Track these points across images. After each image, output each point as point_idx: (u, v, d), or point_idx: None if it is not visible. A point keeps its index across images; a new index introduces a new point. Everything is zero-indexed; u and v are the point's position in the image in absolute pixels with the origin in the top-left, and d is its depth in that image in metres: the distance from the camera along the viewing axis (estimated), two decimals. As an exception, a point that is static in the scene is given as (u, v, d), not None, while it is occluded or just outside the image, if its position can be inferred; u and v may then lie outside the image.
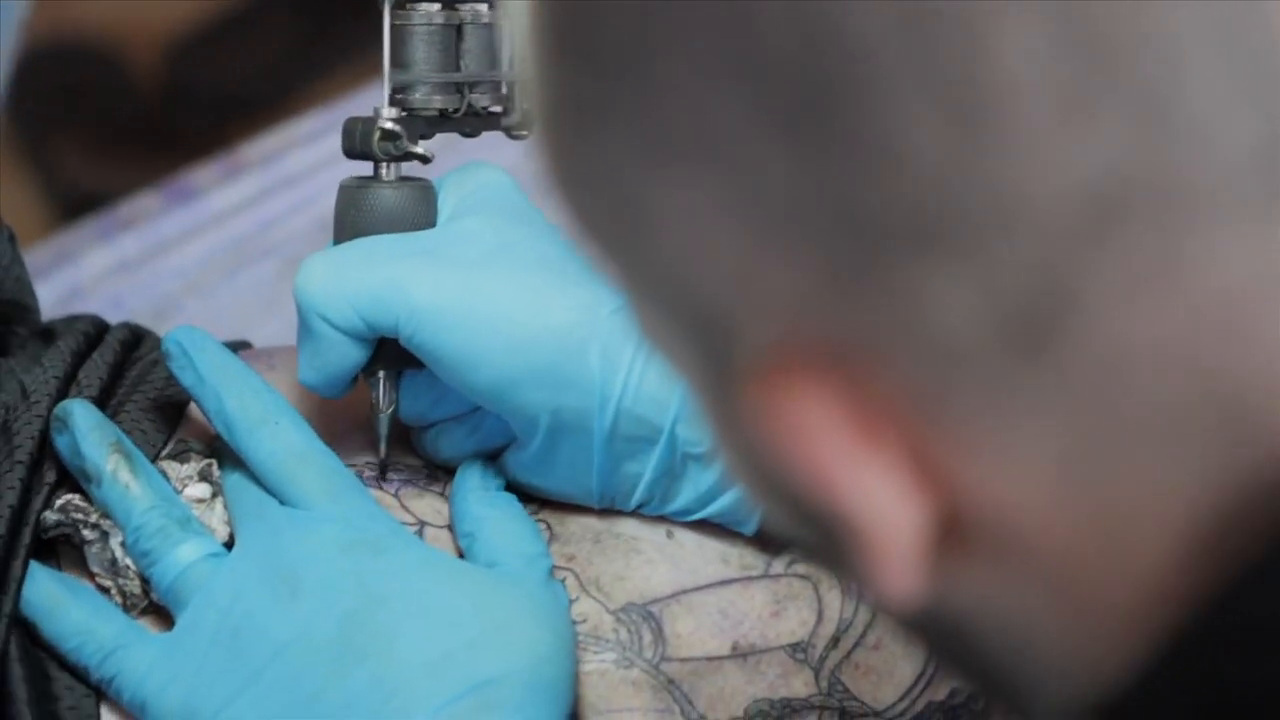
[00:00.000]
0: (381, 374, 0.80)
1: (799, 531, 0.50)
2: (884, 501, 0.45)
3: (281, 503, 0.78)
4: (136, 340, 0.85)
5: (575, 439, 0.78)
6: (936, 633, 0.49)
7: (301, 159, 1.23)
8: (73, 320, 0.85)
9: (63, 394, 0.80)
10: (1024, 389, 0.44)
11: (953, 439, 0.45)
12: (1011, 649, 0.48)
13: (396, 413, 0.81)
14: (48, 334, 0.85)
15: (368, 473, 0.81)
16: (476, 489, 0.79)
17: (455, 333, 0.76)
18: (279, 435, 0.78)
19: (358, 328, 0.77)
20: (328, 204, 1.21)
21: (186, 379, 0.80)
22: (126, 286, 1.21)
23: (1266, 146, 0.43)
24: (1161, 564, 0.45)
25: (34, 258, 1.22)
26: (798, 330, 0.45)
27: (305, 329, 0.78)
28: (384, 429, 0.80)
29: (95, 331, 0.84)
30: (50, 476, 0.78)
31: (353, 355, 0.78)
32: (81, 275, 1.21)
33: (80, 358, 0.82)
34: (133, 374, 0.83)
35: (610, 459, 0.78)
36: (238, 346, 0.89)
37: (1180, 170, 0.43)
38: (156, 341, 0.87)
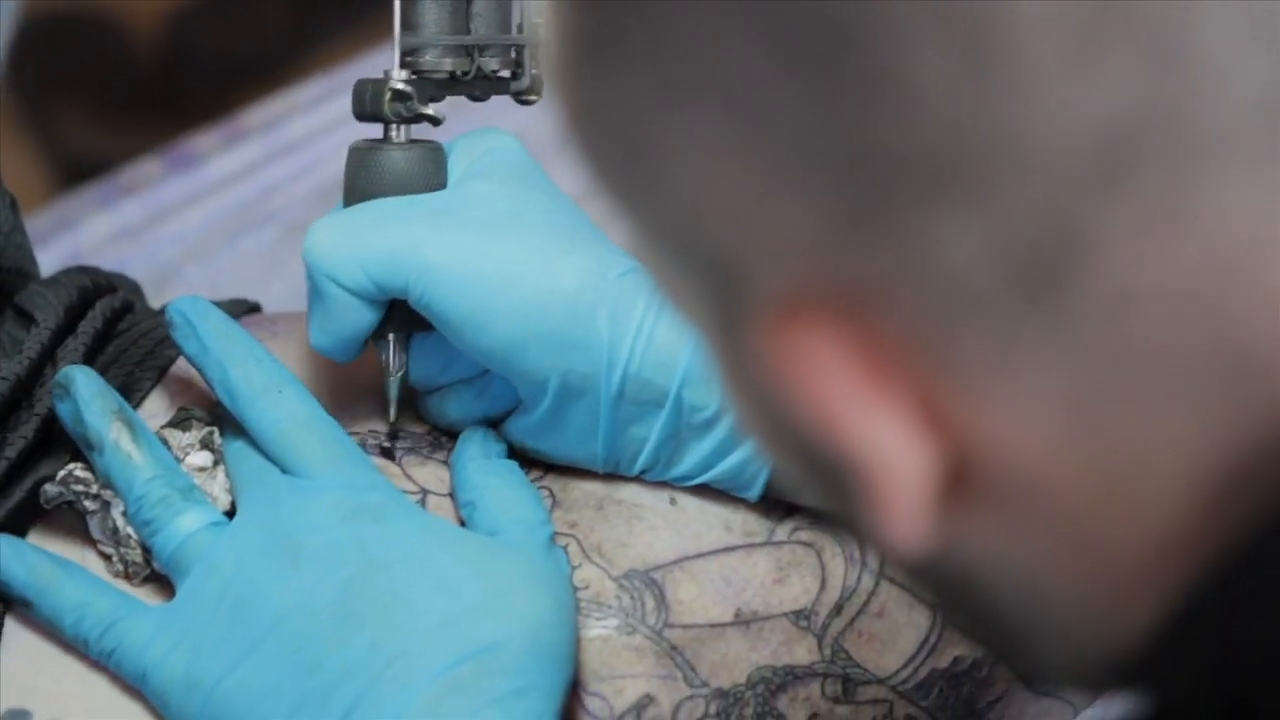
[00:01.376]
0: (391, 337, 0.80)
1: (807, 479, 0.50)
2: (892, 446, 0.45)
3: (284, 471, 0.78)
4: (124, 311, 0.85)
5: (582, 402, 0.78)
6: (943, 583, 0.49)
7: (303, 125, 1.23)
8: (58, 284, 0.84)
9: (33, 378, 0.80)
10: (1032, 333, 0.44)
11: (961, 384, 0.45)
12: (1020, 600, 0.48)
13: (406, 376, 0.80)
14: (40, 295, 0.84)
15: (371, 440, 0.81)
16: (477, 457, 0.79)
17: (465, 294, 0.76)
18: (282, 404, 0.78)
19: (367, 289, 0.77)
20: (329, 170, 1.22)
21: (190, 348, 0.80)
22: (128, 253, 1.21)
23: (1275, 93, 0.43)
24: (1173, 516, 0.45)
25: (35, 224, 1.22)
26: (808, 273, 0.45)
27: (315, 291, 0.78)
28: (394, 392, 0.80)
29: (80, 303, 0.84)
30: (10, 453, 0.78)
31: (363, 318, 0.78)
32: (83, 242, 1.21)
33: (62, 334, 0.82)
34: (112, 348, 0.83)
35: (616, 423, 0.78)
36: (248, 309, 0.89)
37: (1191, 113, 0.43)
38: (146, 312, 0.86)
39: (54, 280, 0.84)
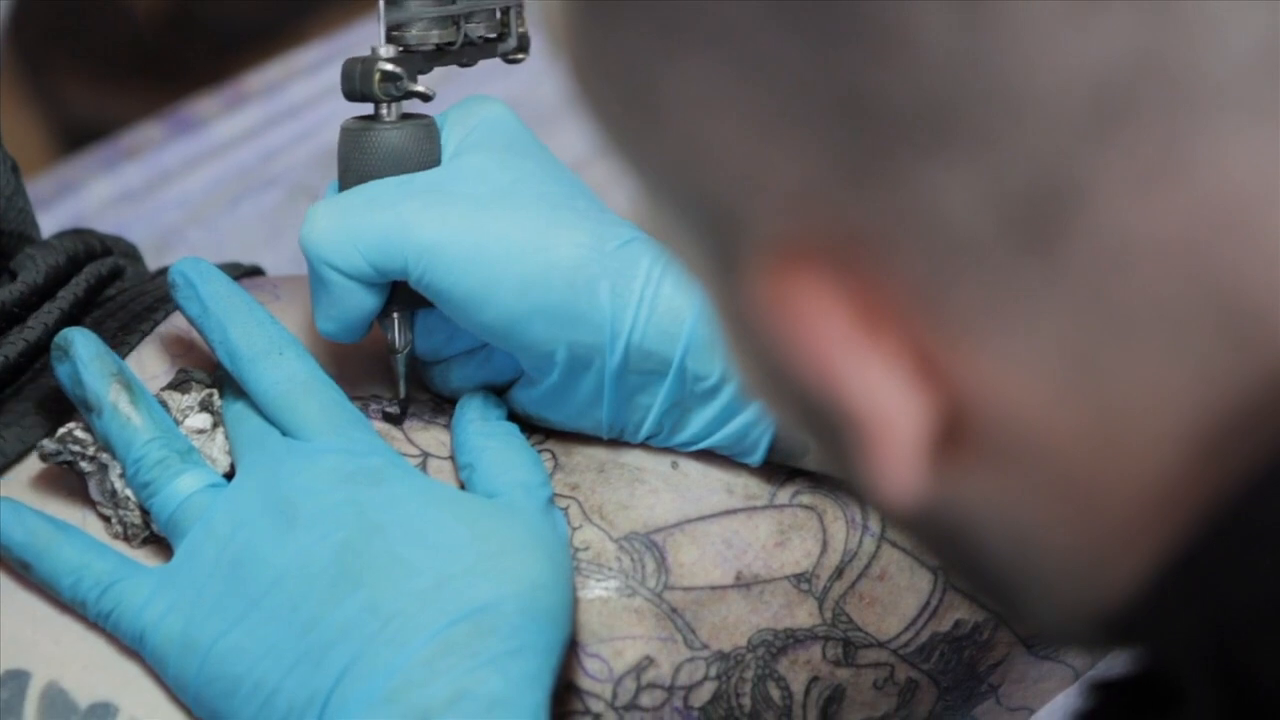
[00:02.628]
0: (395, 315, 0.79)
1: (803, 430, 0.50)
2: (887, 397, 0.45)
3: (284, 434, 0.78)
4: (112, 277, 0.85)
5: (586, 373, 0.78)
6: (937, 535, 0.49)
7: (304, 89, 1.23)
8: (49, 247, 0.84)
9: None
10: (1027, 284, 0.44)
11: (956, 334, 0.45)
12: (1013, 553, 0.48)
13: (413, 352, 0.80)
14: (29, 258, 0.84)
15: (374, 406, 0.81)
16: (475, 420, 0.79)
17: (464, 272, 0.76)
18: (282, 366, 0.78)
19: (366, 273, 0.77)
20: (330, 134, 1.22)
21: (191, 309, 0.79)
22: (129, 216, 1.21)
23: (1275, 44, 0.43)
24: (1168, 467, 0.45)
25: (37, 188, 1.21)
26: (805, 223, 0.45)
27: (316, 278, 0.78)
28: (401, 368, 0.80)
29: (68, 266, 0.83)
30: None
31: (366, 301, 0.78)
32: (84, 205, 1.21)
33: (42, 295, 0.82)
34: (98, 313, 0.83)
35: (620, 393, 0.78)
36: (249, 272, 0.89)
37: (1189, 64, 0.43)
38: (141, 276, 0.86)
39: (46, 243, 0.84)
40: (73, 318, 0.82)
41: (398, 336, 0.80)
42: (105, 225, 1.07)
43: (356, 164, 0.79)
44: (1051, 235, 0.44)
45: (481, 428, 0.79)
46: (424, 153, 0.79)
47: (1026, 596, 0.48)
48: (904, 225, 0.44)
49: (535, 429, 0.81)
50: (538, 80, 1.10)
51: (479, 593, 0.73)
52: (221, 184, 1.21)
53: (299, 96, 1.22)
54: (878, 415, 0.45)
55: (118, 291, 0.84)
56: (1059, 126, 0.43)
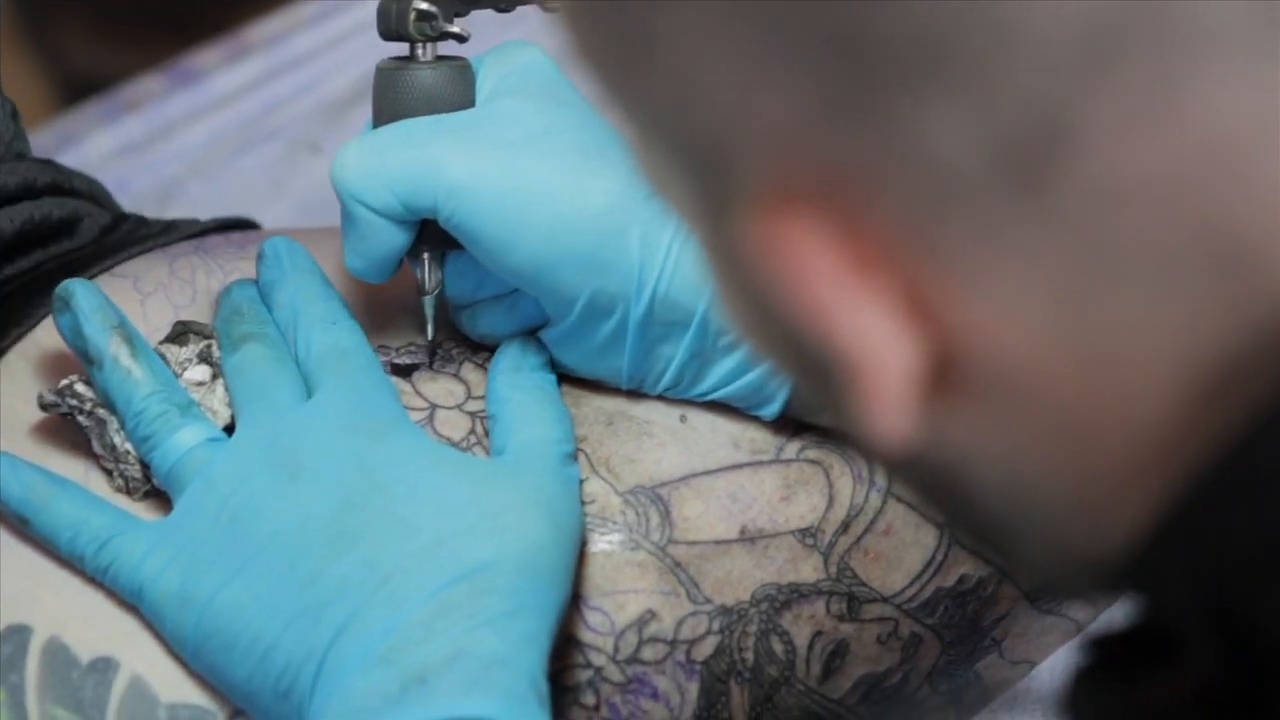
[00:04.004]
0: (425, 255, 0.79)
1: (794, 373, 0.50)
2: (878, 339, 0.45)
3: (309, 394, 0.77)
4: (65, 223, 0.85)
5: (609, 321, 0.78)
6: (929, 478, 0.48)
7: (306, 41, 1.22)
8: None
9: None
10: (1018, 223, 0.44)
11: (946, 275, 0.45)
12: (1005, 497, 0.47)
13: (443, 294, 0.80)
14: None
15: (383, 358, 0.81)
16: (507, 370, 0.79)
17: (493, 213, 0.76)
18: (331, 333, 0.79)
19: (396, 210, 0.77)
20: (333, 86, 1.21)
21: (269, 275, 0.81)
22: (130, 169, 1.20)
23: None
24: (1162, 410, 0.44)
25: (38, 140, 1.21)
26: (795, 163, 0.45)
27: (346, 215, 0.78)
28: (430, 310, 0.80)
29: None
30: None
31: (395, 239, 0.78)
32: (86, 158, 1.20)
33: None
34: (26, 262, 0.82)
35: (643, 342, 0.78)
36: (243, 225, 0.89)
37: (1181, 4, 0.42)
38: (100, 225, 0.86)
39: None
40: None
41: (428, 277, 0.79)
42: (106, 177, 1.07)
43: (390, 103, 0.79)
44: (1042, 174, 0.43)
45: (511, 378, 0.79)
46: (458, 94, 0.78)
47: (1018, 541, 0.48)
48: (894, 165, 0.44)
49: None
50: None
51: (478, 552, 0.72)
52: (223, 136, 1.20)
53: (301, 49, 1.22)
54: (868, 356, 0.45)
55: (73, 246, 0.84)
56: (1051, 65, 0.43)
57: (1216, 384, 0.44)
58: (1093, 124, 0.43)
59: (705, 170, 0.47)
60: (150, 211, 0.93)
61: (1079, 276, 0.44)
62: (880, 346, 0.45)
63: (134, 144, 1.22)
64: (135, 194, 1.16)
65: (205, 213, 0.95)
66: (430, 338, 0.80)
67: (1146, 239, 0.43)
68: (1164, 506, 0.45)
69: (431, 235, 0.78)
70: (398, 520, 0.73)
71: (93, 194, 0.88)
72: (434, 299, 0.80)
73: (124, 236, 0.85)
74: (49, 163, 0.86)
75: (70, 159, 1.16)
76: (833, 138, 0.44)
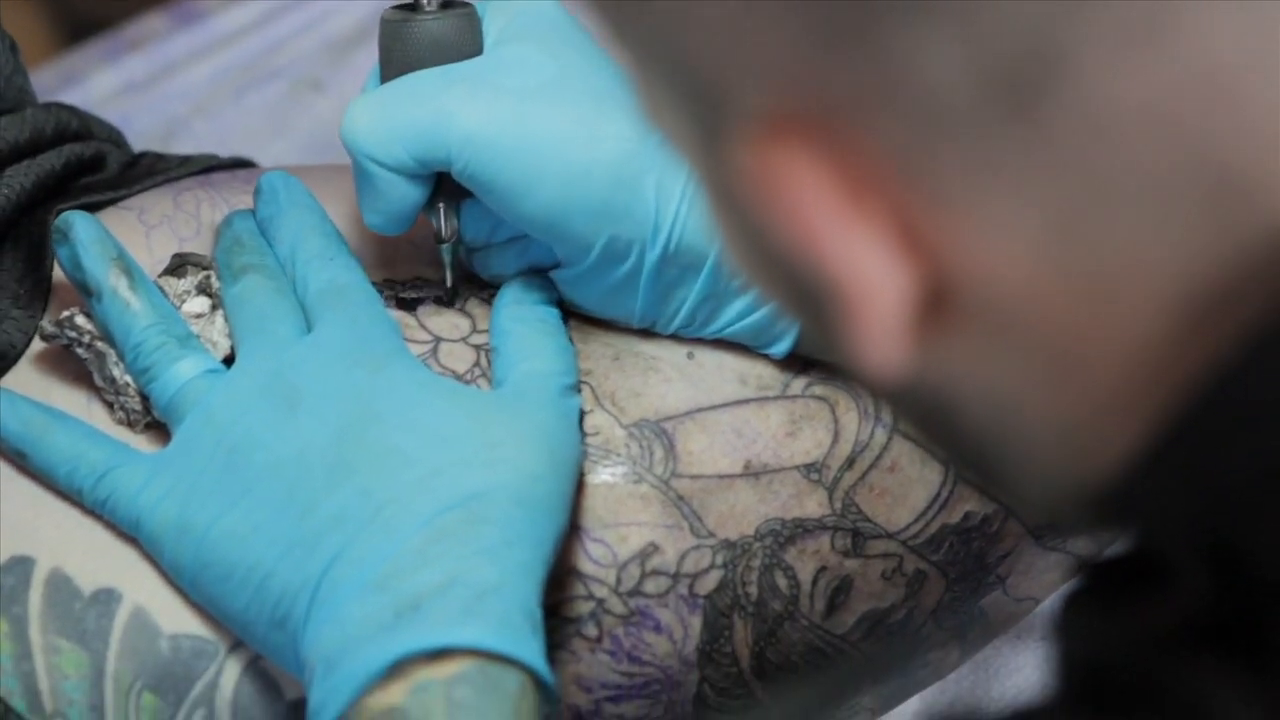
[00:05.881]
0: (441, 205, 0.79)
1: (788, 305, 0.50)
2: (870, 268, 0.45)
3: (309, 329, 0.77)
4: (95, 162, 0.85)
5: (623, 265, 0.78)
6: (923, 408, 0.48)
7: (310, -21, 1.22)
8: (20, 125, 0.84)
9: None
10: (1010, 152, 0.44)
11: (939, 204, 0.45)
12: (998, 427, 0.47)
13: (460, 242, 0.80)
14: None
15: (387, 292, 0.81)
16: (510, 304, 0.79)
17: (506, 163, 0.76)
18: (329, 269, 0.78)
19: (409, 165, 0.77)
20: (336, 24, 1.21)
21: (267, 210, 0.80)
22: (134, 108, 1.20)
23: None
24: (1153, 339, 0.44)
25: (41, 79, 1.21)
26: (788, 92, 0.45)
27: (359, 172, 0.78)
28: (448, 257, 0.80)
29: (30, 142, 0.83)
30: None
31: (410, 193, 0.77)
32: (89, 97, 1.20)
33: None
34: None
35: (657, 286, 0.78)
36: (240, 164, 0.88)
37: None
38: (120, 162, 0.86)
39: (20, 116, 0.83)
40: (48, 190, 0.82)
41: (444, 226, 0.79)
42: (109, 116, 1.06)
43: (398, 55, 0.78)
44: (1034, 101, 0.43)
45: (514, 311, 0.79)
46: (465, 42, 0.78)
47: (1012, 471, 0.48)
48: (886, 94, 0.44)
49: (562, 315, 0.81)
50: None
51: (473, 481, 0.72)
52: (226, 75, 1.20)
53: (304, -13, 1.21)
54: (861, 285, 0.45)
55: (98, 181, 0.84)
56: None
57: (1207, 311, 0.44)
58: (1084, 52, 0.43)
59: (700, 100, 0.47)
60: (154, 150, 0.92)
61: (1070, 204, 0.44)
62: (873, 275, 0.45)
63: (136, 83, 1.21)
64: (139, 133, 1.16)
65: (209, 151, 0.95)
66: (449, 285, 0.80)
67: (1138, 166, 0.43)
68: (1155, 434, 0.45)
69: (447, 185, 0.78)
70: (394, 450, 0.73)
71: (110, 136, 0.88)
72: (451, 247, 0.80)
73: (142, 172, 0.85)
74: (70, 107, 0.86)
75: (73, 98, 1.16)
76: (825, 67, 0.44)
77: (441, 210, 0.79)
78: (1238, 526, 0.44)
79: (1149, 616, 0.46)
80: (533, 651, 0.69)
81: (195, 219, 0.83)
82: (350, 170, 0.80)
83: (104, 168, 0.85)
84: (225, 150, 1.02)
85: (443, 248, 0.80)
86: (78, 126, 0.86)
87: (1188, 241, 0.44)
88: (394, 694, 0.68)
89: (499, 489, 0.72)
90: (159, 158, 0.88)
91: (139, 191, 0.83)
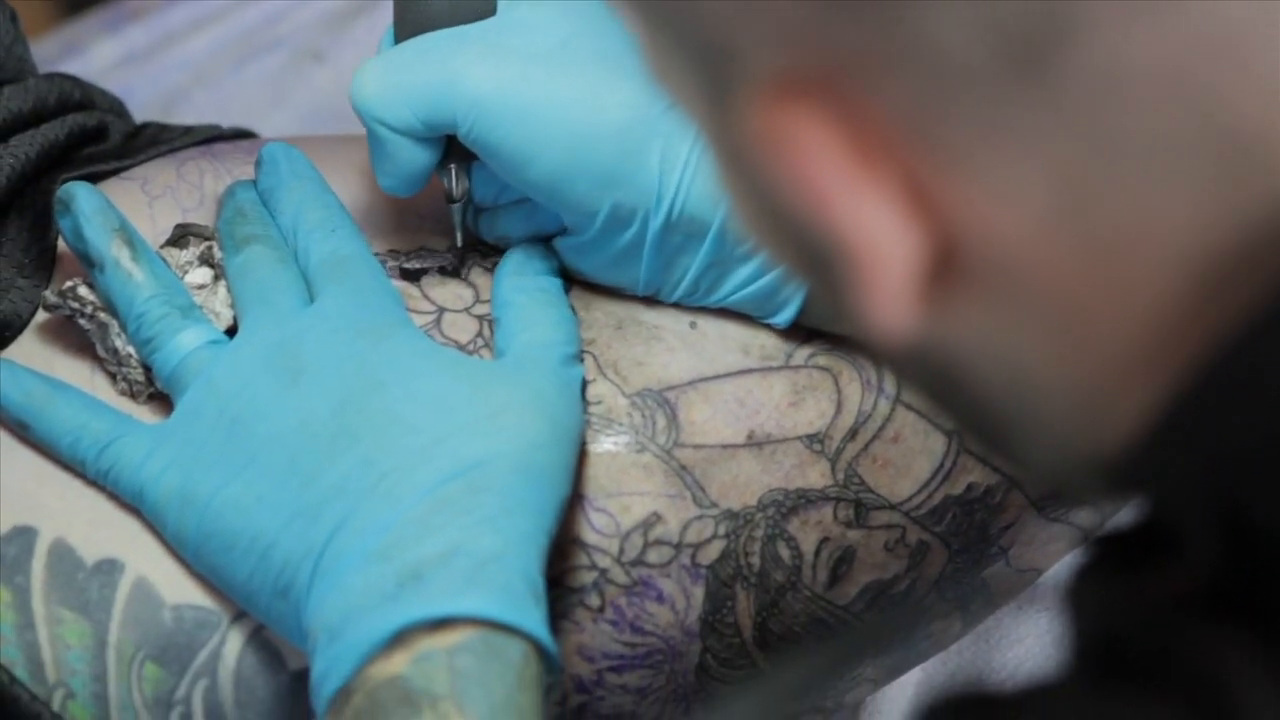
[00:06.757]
0: (453, 167, 0.79)
1: (796, 267, 0.49)
2: (880, 229, 0.45)
3: (312, 300, 0.77)
4: (98, 132, 0.85)
5: (628, 232, 0.77)
6: (930, 372, 0.48)
7: (310, -51, 1.21)
8: (24, 94, 0.83)
9: None
10: (1020, 113, 0.44)
11: (949, 165, 0.44)
12: (1007, 390, 0.47)
13: (470, 203, 0.80)
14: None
15: (390, 263, 0.81)
16: (511, 274, 0.79)
17: (512, 127, 0.75)
18: (331, 240, 0.78)
19: (417, 129, 0.76)
20: (336, -4, 1.20)
21: (268, 181, 0.80)
22: (134, 78, 1.20)
23: None
24: (1164, 305, 0.44)
25: (41, 49, 1.20)
26: (798, 53, 0.45)
27: (370, 135, 0.78)
28: (458, 218, 0.80)
29: (33, 112, 0.83)
30: None
31: (420, 156, 0.77)
32: (89, 67, 1.20)
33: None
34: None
35: (661, 254, 0.78)
36: (242, 135, 0.88)
37: None
38: (123, 133, 0.86)
39: (23, 86, 0.83)
40: (52, 159, 0.82)
41: (454, 186, 0.79)
42: (110, 87, 1.06)
43: (411, 15, 0.78)
44: (1045, 62, 0.43)
45: (515, 282, 0.79)
46: (478, 4, 0.78)
47: (1020, 437, 0.48)
48: (897, 55, 0.44)
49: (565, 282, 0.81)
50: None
51: (474, 450, 0.72)
52: (226, 46, 1.20)
53: (305, -43, 1.21)
54: (870, 247, 0.45)
55: (101, 151, 0.84)
56: None
57: (1219, 278, 0.44)
58: (1095, 13, 0.43)
59: (710, 61, 0.47)
60: (155, 121, 0.92)
61: (1080, 167, 0.44)
62: (882, 237, 0.45)
63: (137, 53, 1.21)
64: (139, 103, 1.15)
65: (210, 122, 0.95)
66: (459, 245, 0.80)
67: (1148, 130, 0.43)
68: (1165, 402, 0.45)
69: (457, 146, 0.78)
70: (396, 419, 0.73)
71: (112, 107, 0.88)
72: (461, 208, 0.80)
73: (144, 142, 0.85)
74: (72, 78, 0.86)
75: (73, 68, 1.16)
76: (835, 28, 0.44)
77: (453, 171, 0.79)
78: (1249, 495, 0.44)
79: (1161, 586, 0.46)
80: (535, 620, 0.69)
81: (199, 189, 0.83)
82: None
83: (107, 138, 0.85)
84: (226, 121, 1.02)
85: (453, 208, 0.80)
86: (80, 97, 0.86)
87: (1198, 206, 0.43)
88: (396, 663, 0.68)
89: (500, 458, 0.72)
90: (162, 128, 0.87)
91: (142, 161, 0.83)
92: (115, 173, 0.83)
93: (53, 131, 0.82)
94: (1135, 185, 0.44)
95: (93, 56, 1.21)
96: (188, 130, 0.87)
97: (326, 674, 0.69)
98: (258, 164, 0.81)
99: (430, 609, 0.69)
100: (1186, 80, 0.43)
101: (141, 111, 1.12)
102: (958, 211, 0.45)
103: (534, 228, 0.80)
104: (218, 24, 1.20)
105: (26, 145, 0.81)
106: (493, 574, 0.70)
